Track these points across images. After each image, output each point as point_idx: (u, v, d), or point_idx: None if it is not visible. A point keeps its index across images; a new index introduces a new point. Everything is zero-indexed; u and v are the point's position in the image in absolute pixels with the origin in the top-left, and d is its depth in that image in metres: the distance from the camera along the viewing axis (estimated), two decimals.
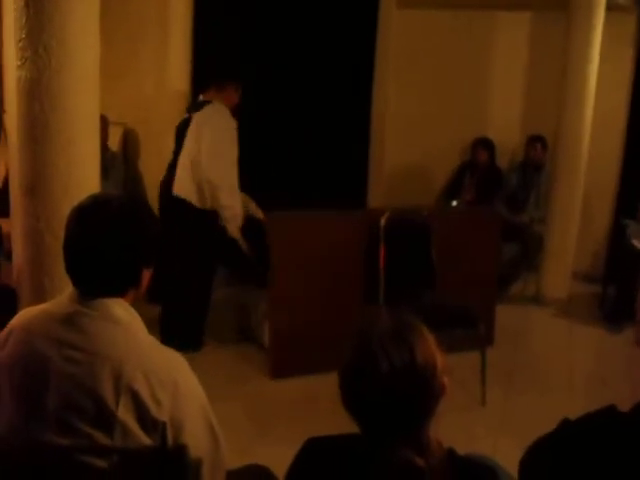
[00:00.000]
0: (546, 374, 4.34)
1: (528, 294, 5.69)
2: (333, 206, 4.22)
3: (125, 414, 1.46)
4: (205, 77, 4.56)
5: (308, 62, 5.65)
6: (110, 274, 1.58)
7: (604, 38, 5.27)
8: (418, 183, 6.43)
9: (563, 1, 5.33)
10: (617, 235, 5.81)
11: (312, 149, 5.76)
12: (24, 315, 1.65)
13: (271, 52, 5.57)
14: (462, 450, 1.45)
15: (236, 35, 5.47)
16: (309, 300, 4.03)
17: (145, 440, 1.47)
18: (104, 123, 4.50)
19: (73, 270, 1.59)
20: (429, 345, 1.35)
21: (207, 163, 4.05)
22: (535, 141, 5.88)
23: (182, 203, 4.16)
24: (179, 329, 4.18)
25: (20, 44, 2.42)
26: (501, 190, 5.94)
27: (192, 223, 4.20)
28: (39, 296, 2.53)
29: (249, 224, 4.34)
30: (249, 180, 4.44)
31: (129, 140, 5.50)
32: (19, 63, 2.44)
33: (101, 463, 1.47)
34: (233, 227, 4.22)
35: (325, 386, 2.89)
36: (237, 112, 4.33)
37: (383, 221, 4.07)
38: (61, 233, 1.62)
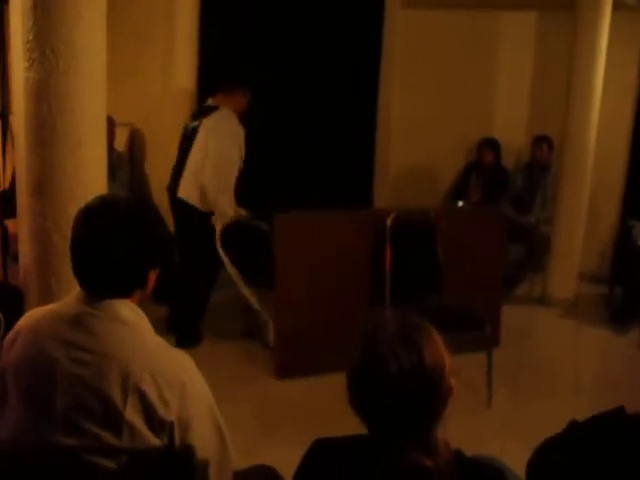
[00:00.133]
0: (552, 375, 4.33)
1: (534, 295, 5.68)
2: (339, 207, 4.23)
3: (133, 414, 1.46)
4: (213, 80, 4.58)
5: (314, 63, 5.65)
6: (117, 275, 1.58)
7: (611, 38, 5.25)
8: (424, 184, 6.42)
9: (569, 1, 5.32)
10: (623, 236, 5.79)
11: (318, 150, 5.76)
12: (31, 316, 1.65)
13: (277, 54, 5.57)
14: (468, 452, 1.45)
15: (241, 36, 5.48)
16: (314, 300, 4.03)
17: (153, 440, 1.48)
18: (110, 124, 4.50)
19: (80, 271, 1.60)
20: (437, 346, 1.35)
21: (210, 171, 4.15)
22: (541, 142, 5.87)
23: (186, 206, 4.27)
24: (180, 326, 4.33)
25: (28, 46, 2.43)
26: (507, 191, 5.92)
27: (196, 225, 4.32)
28: (46, 296, 2.54)
29: (251, 230, 4.39)
30: (255, 182, 4.45)
31: (135, 141, 5.51)
32: (27, 65, 2.45)
33: (109, 463, 1.47)
34: (220, 225, 4.31)
35: (331, 387, 2.89)
36: (244, 115, 4.36)
37: (389, 222, 4.06)
38: (68, 233, 1.62)
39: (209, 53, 5.33)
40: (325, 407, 3.55)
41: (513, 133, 6.24)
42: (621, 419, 1.45)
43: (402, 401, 1.30)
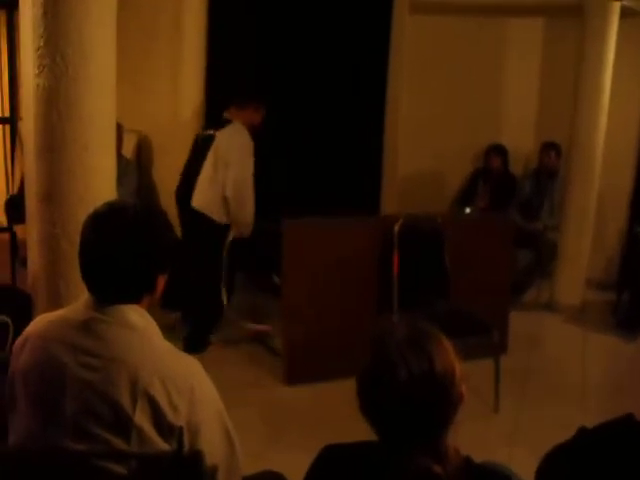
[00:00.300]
0: (560, 381, 4.31)
1: (542, 301, 5.67)
2: (346, 213, 4.23)
3: (142, 419, 1.47)
4: (225, 94, 4.61)
5: (322, 69, 5.65)
6: (125, 281, 1.59)
7: (618, 44, 5.25)
8: (431, 190, 6.42)
9: (576, 7, 5.32)
10: (631, 242, 5.78)
11: (325, 156, 5.76)
12: (40, 322, 1.66)
13: (285, 59, 5.58)
14: (476, 458, 1.44)
15: (249, 41, 5.49)
16: (322, 306, 4.03)
17: (162, 445, 1.48)
18: (118, 131, 4.50)
19: (89, 277, 1.60)
20: (448, 353, 1.34)
21: (233, 185, 4.19)
22: (549, 148, 5.85)
23: (201, 216, 4.29)
24: (189, 331, 4.37)
25: (38, 52, 2.44)
26: (515, 197, 5.91)
27: (208, 234, 4.34)
28: (55, 302, 2.55)
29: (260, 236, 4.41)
30: (262, 188, 4.46)
31: (143, 148, 5.52)
32: (37, 71, 2.46)
33: (118, 468, 1.47)
34: (245, 233, 4.38)
35: (339, 392, 2.89)
36: (255, 130, 4.38)
37: (397, 228, 4.06)
38: (77, 239, 1.63)
39: (217, 62, 5.34)
40: (333, 413, 3.55)
41: (521, 139, 6.23)
42: (630, 426, 1.44)
43: (412, 408, 1.30)
